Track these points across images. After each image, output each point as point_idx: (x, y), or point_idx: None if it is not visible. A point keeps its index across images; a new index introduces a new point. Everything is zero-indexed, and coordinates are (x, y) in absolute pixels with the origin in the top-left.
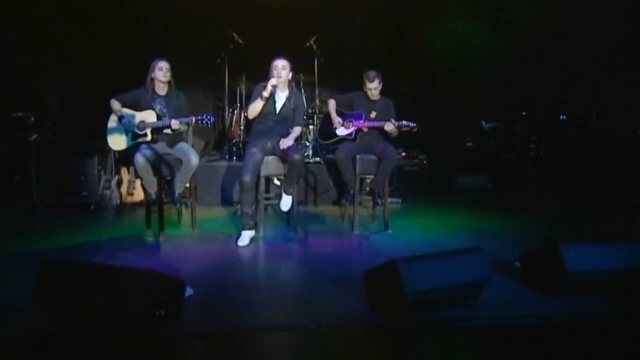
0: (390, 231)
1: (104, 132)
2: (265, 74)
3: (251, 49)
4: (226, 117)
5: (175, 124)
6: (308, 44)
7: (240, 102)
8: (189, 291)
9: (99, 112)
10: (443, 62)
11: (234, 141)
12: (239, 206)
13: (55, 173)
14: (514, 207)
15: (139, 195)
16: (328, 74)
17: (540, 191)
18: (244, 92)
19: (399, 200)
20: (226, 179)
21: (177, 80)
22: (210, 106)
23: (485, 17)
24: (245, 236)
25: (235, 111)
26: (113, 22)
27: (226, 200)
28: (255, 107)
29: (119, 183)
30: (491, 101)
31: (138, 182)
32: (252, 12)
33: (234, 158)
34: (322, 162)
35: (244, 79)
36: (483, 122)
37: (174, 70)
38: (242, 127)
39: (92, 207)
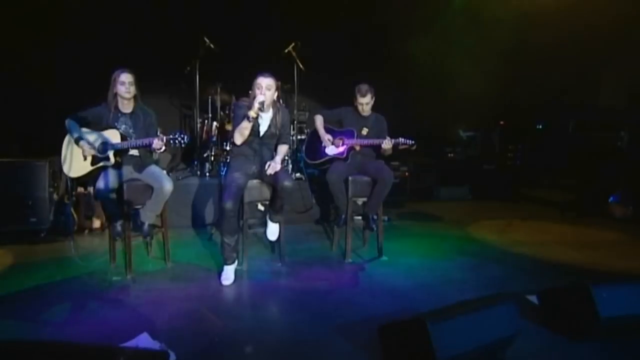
0: (385, 258)
1: (55, 148)
2: (241, 83)
3: (225, 55)
4: (196, 127)
5: (157, 143)
6: (287, 50)
7: (213, 113)
8: (171, 357)
9: (48, 121)
10: (423, 72)
11: (205, 155)
12: (213, 230)
13: None
14: (501, 224)
15: (98, 219)
16: (309, 81)
17: (521, 203)
18: (218, 104)
19: (385, 218)
20: (198, 198)
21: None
22: (176, 114)
23: (467, 28)
24: (229, 272)
25: (206, 121)
26: (65, 14)
27: (198, 222)
28: (243, 132)
29: (75, 206)
30: (469, 110)
31: (98, 204)
32: (227, 14)
33: (207, 174)
34: (303, 178)
35: (218, 90)
36: (461, 132)
37: (138, 80)
38: (214, 139)
39: (42, 235)
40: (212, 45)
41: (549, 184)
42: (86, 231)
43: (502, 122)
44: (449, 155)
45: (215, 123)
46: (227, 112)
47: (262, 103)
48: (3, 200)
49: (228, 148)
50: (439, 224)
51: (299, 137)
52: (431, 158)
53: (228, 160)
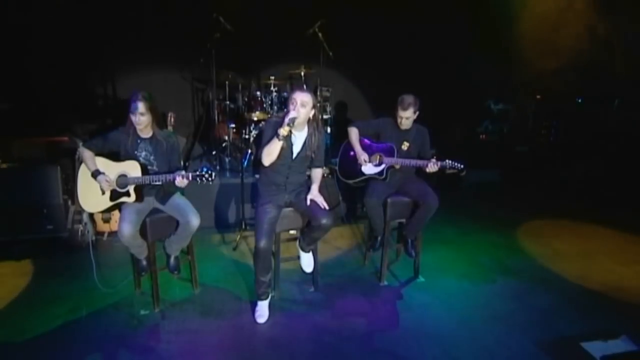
0: (421, 279)
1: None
2: (259, 68)
3: (243, 37)
4: (212, 108)
5: (180, 181)
6: (312, 30)
7: (230, 96)
8: None
9: (61, 119)
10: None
11: (223, 144)
12: (238, 237)
13: (8, 204)
14: (539, 226)
15: (116, 222)
16: (336, 58)
17: (556, 192)
18: (240, 98)
19: None
20: (220, 199)
21: (149, 59)
22: (188, 89)
23: None
24: (263, 308)
25: (222, 103)
26: None
27: (220, 224)
28: (272, 151)
29: (92, 213)
30: (502, 81)
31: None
32: None
33: (227, 171)
34: (330, 175)
35: (240, 84)
36: (491, 103)
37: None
38: (232, 125)
39: (60, 242)
40: (228, 26)
41: (585, 167)
42: (105, 234)
43: (539, 97)
44: (481, 136)
45: (229, 103)
46: (245, 98)
47: (293, 120)
48: (17, 208)
49: (247, 137)
50: (472, 223)
51: (322, 116)
52: (461, 138)
53: (250, 163)
